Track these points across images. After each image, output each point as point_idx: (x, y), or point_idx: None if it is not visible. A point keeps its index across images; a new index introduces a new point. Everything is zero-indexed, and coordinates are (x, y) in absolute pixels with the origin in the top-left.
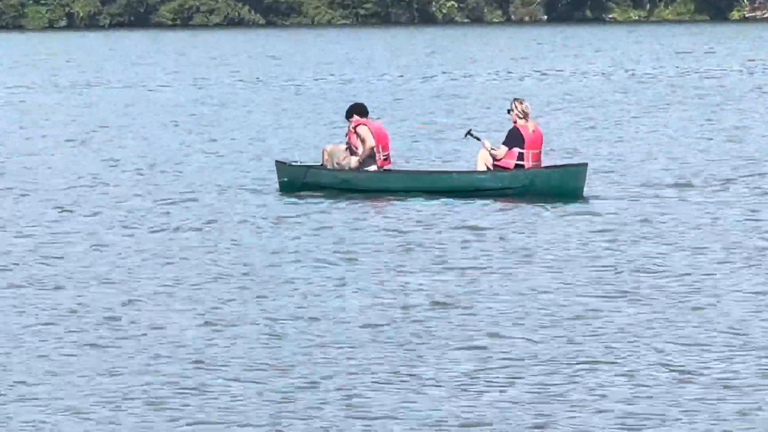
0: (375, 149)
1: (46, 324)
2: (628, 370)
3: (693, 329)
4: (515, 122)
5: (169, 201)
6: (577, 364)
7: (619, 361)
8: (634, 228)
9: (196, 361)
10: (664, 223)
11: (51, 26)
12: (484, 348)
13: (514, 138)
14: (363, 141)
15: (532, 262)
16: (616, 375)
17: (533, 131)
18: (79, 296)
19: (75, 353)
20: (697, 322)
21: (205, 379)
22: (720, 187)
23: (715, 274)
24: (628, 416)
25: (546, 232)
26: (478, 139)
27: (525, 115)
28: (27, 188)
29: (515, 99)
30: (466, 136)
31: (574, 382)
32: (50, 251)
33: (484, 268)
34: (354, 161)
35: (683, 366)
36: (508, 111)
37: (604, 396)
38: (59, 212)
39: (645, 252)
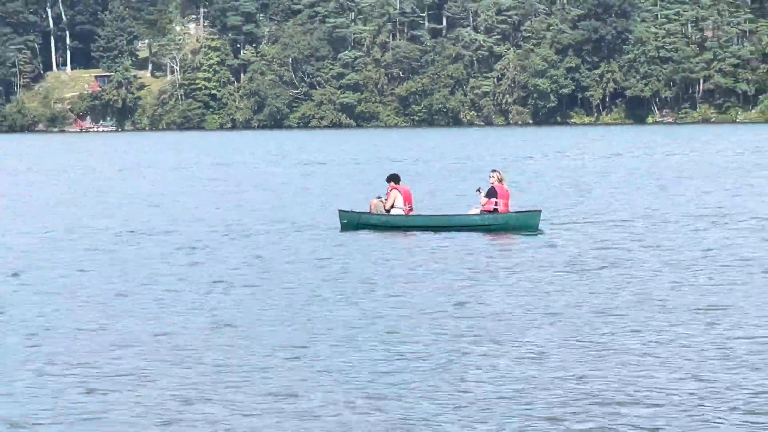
0: (404, 204)
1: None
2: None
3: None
4: (493, 184)
5: (263, 232)
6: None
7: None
8: (570, 252)
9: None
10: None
11: (221, 127)
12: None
13: (492, 193)
14: (393, 201)
15: (511, 270)
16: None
17: (505, 190)
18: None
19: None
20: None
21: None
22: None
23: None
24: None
25: (516, 248)
26: (479, 192)
27: (499, 180)
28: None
29: (493, 170)
30: (477, 190)
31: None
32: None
33: (481, 272)
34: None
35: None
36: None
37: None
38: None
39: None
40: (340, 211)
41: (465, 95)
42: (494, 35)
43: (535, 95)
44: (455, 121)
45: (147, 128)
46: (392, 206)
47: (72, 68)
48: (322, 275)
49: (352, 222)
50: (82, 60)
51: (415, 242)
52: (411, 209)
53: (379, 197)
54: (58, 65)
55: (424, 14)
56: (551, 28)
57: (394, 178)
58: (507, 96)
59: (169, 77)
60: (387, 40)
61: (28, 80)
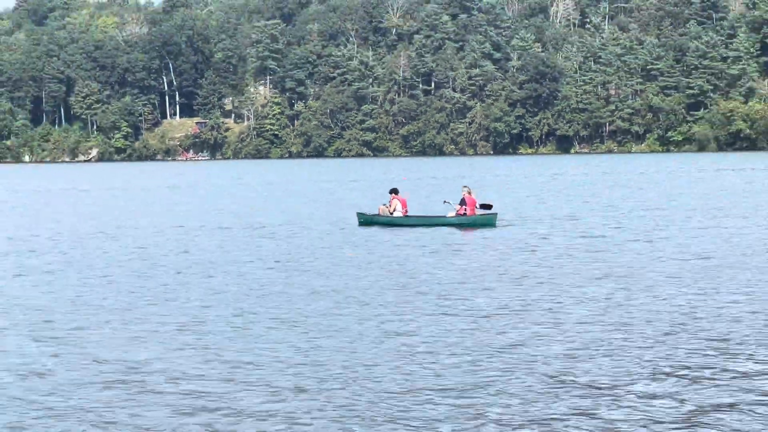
0: (402, 208)
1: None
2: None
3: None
4: (463, 195)
5: (294, 231)
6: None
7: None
8: (517, 238)
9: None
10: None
11: (281, 157)
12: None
13: (462, 202)
14: (395, 207)
15: (481, 252)
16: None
17: (472, 199)
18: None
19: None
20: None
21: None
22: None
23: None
24: None
25: (481, 238)
26: (450, 203)
27: (468, 192)
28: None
29: (464, 185)
30: (444, 202)
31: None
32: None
33: (457, 255)
34: (392, 212)
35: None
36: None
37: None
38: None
39: (521, 240)
40: (357, 213)
41: (447, 134)
42: (467, 93)
43: (494, 134)
44: (440, 152)
45: (231, 158)
46: (394, 210)
47: (180, 117)
48: (341, 255)
49: (367, 221)
50: (187, 111)
51: (410, 234)
52: (407, 212)
53: (384, 204)
54: (170, 115)
55: (419, 79)
56: (505, 88)
57: (394, 191)
58: (475, 135)
59: (245, 123)
60: (394, 97)
61: (150, 125)
